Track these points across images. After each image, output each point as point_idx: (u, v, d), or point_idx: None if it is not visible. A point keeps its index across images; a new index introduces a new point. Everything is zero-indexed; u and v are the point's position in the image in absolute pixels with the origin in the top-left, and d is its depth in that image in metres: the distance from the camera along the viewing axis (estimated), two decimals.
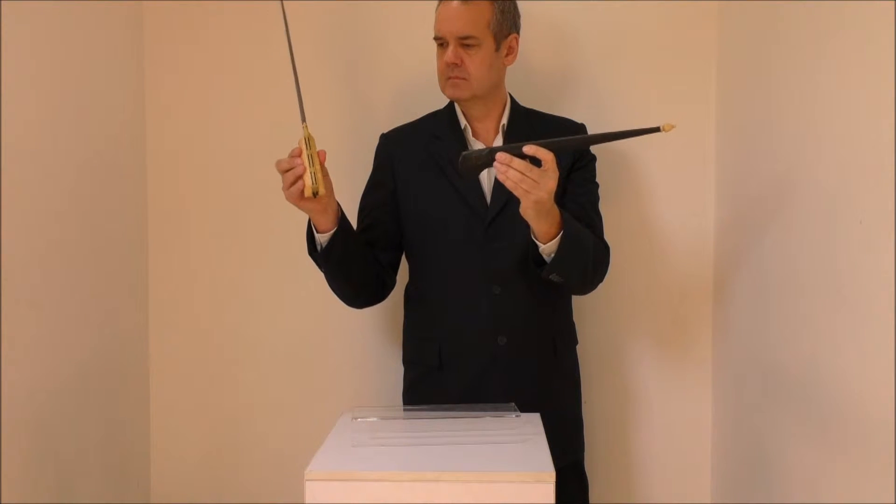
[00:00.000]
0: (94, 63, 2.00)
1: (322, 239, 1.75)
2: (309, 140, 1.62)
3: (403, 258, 1.98)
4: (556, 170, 1.59)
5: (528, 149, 1.57)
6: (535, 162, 1.58)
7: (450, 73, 1.81)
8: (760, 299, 1.87)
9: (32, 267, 1.74)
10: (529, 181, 1.56)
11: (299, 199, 1.65)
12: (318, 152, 1.63)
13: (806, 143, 1.64)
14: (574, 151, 1.87)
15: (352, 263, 1.80)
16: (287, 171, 1.63)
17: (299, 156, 1.62)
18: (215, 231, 2.24)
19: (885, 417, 1.33)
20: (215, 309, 2.25)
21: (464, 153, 1.63)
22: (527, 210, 1.61)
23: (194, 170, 2.24)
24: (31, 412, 1.73)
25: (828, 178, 1.54)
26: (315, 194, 1.62)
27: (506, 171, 1.56)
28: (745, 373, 1.98)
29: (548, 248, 1.69)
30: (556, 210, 1.66)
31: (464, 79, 1.81)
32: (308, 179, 1.61)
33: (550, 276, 1.73)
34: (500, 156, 1.57)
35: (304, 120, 1.64)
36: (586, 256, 1.75)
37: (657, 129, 1.57)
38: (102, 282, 2.03)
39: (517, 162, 1.56)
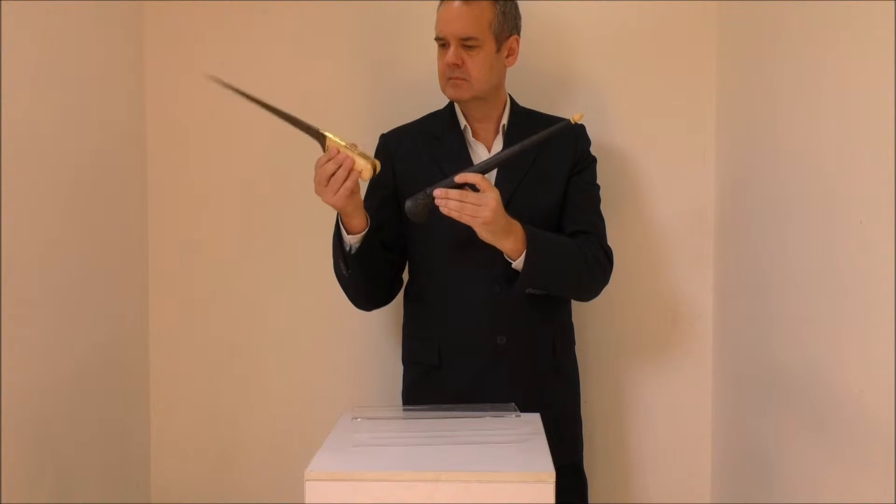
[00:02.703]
0: (94, 63, 2.00)
1: (353, 241, 1.75)
2: (336, 139, 1.64)
3: None
4: (493, 188, 1.65)
5: (459, 178, 1.65)
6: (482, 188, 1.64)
7: (450, 74, 1.81)
8: (760, 299, 1.87)
9: (32, 267, 1.74)
10: (470, 206, 1.62)
11: (349, 196, 1.65)
12: (350, 144, 1.65)
13: (806, 142, 1.64)
14: (573, 155, 1.89)
15: (376, 263, 1.82)
16: (334, 172, 1.63)
17: (336, 154, 1.63)
18: (215, 231, 2.24)
19: (885, 417, 1.33)
20: (215, 309, 2.25)
21: (407, 204, 1.68)
22: (482, 234, 1.67)
23: (194, 170, 2.24)
24: (31, 412, 1.73)
25: (828, 178, 1.54)
26: (375, 171, 1.65)
27: (445, 203, 1.63)
28: (745, 373, 1.98)
29: (519, 264, 1.71)
30: (516, 226, 1.69)
31: (464, 80, 1.81)
32: (361, 161, 1.64)
33: (528, 290, 1.77)
34: (436, 192, 1.64)
35: (321, 132, 1.64)
36: (563, 266, 1.76)
37: (567, 121, 1.68)
38: (102, 282, 2.03)
39: (452, 192, 1.63)
